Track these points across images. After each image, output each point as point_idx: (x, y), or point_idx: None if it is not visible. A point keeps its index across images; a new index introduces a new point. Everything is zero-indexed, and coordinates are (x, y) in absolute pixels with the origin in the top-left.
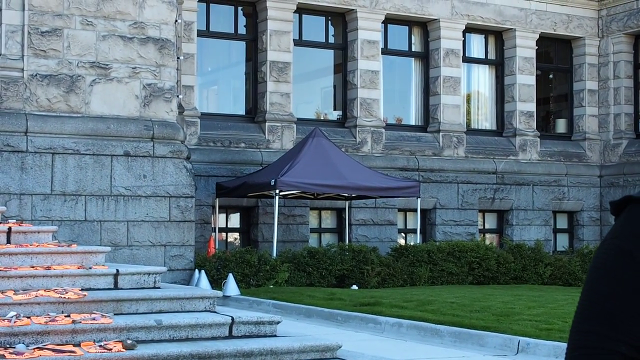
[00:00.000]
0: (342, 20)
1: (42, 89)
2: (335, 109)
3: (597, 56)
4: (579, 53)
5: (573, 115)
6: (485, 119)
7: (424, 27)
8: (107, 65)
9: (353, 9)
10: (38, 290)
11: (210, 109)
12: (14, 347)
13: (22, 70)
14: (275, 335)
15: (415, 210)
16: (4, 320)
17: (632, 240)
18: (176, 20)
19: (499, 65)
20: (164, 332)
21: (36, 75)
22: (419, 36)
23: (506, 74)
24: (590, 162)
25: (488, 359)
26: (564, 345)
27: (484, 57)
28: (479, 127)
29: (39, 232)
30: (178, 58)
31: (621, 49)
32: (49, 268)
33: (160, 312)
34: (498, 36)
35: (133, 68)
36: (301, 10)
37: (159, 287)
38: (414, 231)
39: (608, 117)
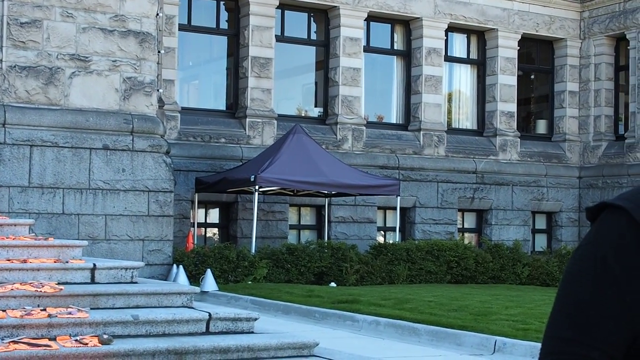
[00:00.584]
0: (324, 16)
1: (21, 80)
2: (316, 106)
3: (578, 58)
4: (560, 54)
5: (553, 116)
6: (466, 119)
7: (407, 25)
8: (87, 57)
9: (335, 6)
10: (14, 283)
11: (191, 103)
12: None
13: (1, 61)
14: (252, 332)
15: (394, 209)
16: None
17: (606, 247)
18: (157, 14)
19: (481, 65)
20: (141, 327)
21: (15, 66)
22: (402, 34)
23: (488, 73)
24: (570, 164)
25: (465, 358)
26: (540, 345)
27: (466, 56)
28: (460, 127)
29: (15, 225)
30: (159, 52)
31: (602, 51)
32: (25, 261)
33: (137, 307)
34: (480, 36)
35: (113, 61)
36: (283, 6)
37: (136, 282)
38: (393, 229)
39: (588, 119)
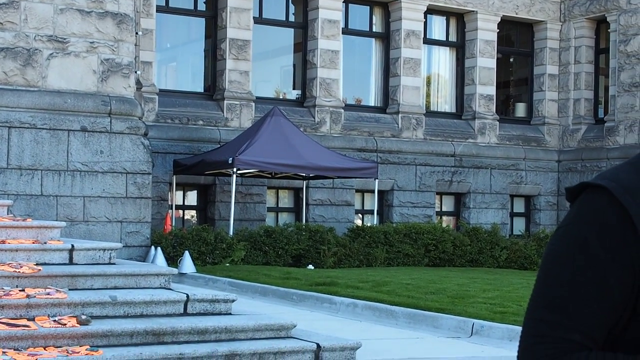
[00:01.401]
0: None
1: None
2: (294, 88)
3: (558, 40)
4: (540, 37)
5: (533, 100)
6: (444, 102)
7: (385, 7)
8: (64, 39)
9: None
10: None
11: (169, 85)
12: None
13: None
14: (230, 314)
15: (372, 192)
16: None
17: (588, 227)
18: None
19: (460, 47)
20: (119, 308)
21: None
22: (380, 16)
23: (467, 56)
24: (549, 147)
25: (442, 341)
26: (518, 328)
27: (445, 39)
28: (439, 110)
29: None
30: (136, 33)
31: (583, 34)
32: (3, 242)
33: (115, 288)
34: (459, 18)
35: (91, 42)
36: None
37: (114, 263)
38: (371, 212)
39: (568, 102)
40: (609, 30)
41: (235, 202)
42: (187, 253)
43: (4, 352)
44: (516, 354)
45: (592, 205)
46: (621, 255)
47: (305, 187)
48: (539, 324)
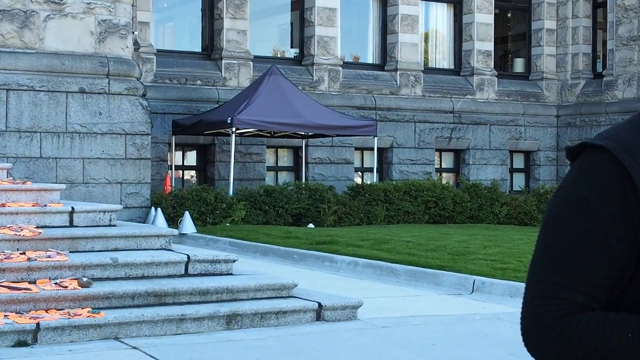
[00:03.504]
0: None
1: None
2: (292, 47)
3: None
4: None
5: (531, 55)
6: (443, 58)
7: None
8: (61, 0)
9: None
10: None
11: (166, 45)
12: None
13: None
14: (231, 274)
15: (372, 149)
16: None
17: (587, 187)
18: None
19: (457, 3)
20: (120, 270)
21: None
22: None
23: (464, 12)
24: (548, 102)
25: (443, 298)
26: (519, 284)
27: None
28: (437, 66)
29: None
30: None
31: None
32: (3, 205)
33: (116, 250)
34: None
35: (87, 4)
36: None
37: (114, 225)
38: (370, 170)
39: (566, 57)
40: None
41: (234, 162)
42: (187, 213)
43: (5, 316)
44: (519, 312)
45: (592, 166)
46: (622, 215)
47: (305, 146)
48: (542, 285)
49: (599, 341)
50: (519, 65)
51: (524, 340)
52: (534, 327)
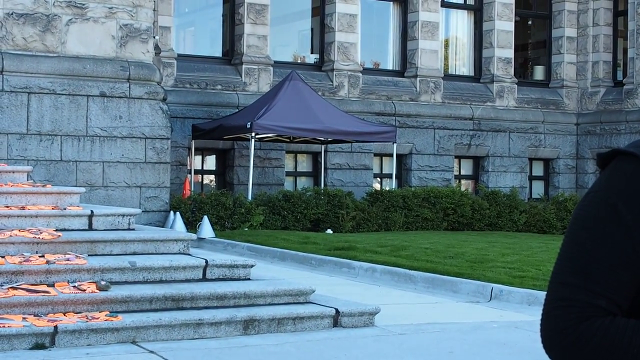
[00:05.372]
0: None
1: (18, 27)
2: (312, 53)
3: (576, 3)
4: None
5: (551, 63)
6: (462, 65)
7: None
8: (83, 4)
9: None
10: (12, 230)
11: (187, 50)
12: None
13: None
14: (248, 279)
15: (391, 155)
16: None
17: (616, 194)
18: None
19: (478, 10)
20: (138, 273)
21: (12, 13)
22: None
23: (485, 19)
24: (567, 110)
25: (461, 306)
26: (537, 292)
27: (462, 2)
28: (457, 73)
29: (13, 172)
30: None
31: None
32: (23, 208)
33: (134, 253)
34: None
35: (110, 8)
36: None
37: (133, 229)
38: (389, 176)
39: (586, 65)
40: None
41: (253, 167)
42: (205, 218)
43: (24, 318)
44: (537, 321)
45: (622, 173)
46: None
47: (324, 152)
48: (564, 288)
49: (618, 346)
50: (539, 72)
51: (542, 341)
52: (554, 328)
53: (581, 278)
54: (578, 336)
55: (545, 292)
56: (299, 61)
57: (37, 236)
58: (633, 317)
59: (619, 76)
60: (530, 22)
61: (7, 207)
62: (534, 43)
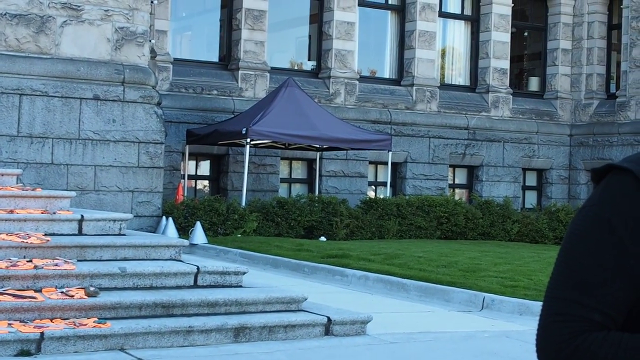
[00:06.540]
0: None
1: (11, 28)
2: (309, 59)
3: (572, 16)
4: (554, 12)
5: (546, 74)
6: (459, 75)
7: None
8: (78, 6)
9: None
10: (0, 234)
11: (183, 54)
12: None
13: None
14: (240, 286)
15: (386, 164)
16: None
17: (610, 208)
18: None
19: (475, 21)
20: (128, 280)
21: (5, 14)
22: None
23: (481, 30)
24: (561, 121)
25: (453, 315)
26: (529, 302)
27: (460, 12)
28: (453, 83)
29: (2, 175)
30: (152, 2)
31: (596, 10)
32: (12, 212)
33: (124, 259)
34: None
35: (105, 10)
36: None
37: (124, 234)
38: (384, 184)
39: (580, 77)
40: (621, 6)
41: (248, 173)
42: (198, 224)
43: (9, 324)
44: (528, 330)
45: (617, 187)
46: None
47: (319, 159)
48: (560, 302)
49: None
50: (534, 84)
51: (538, 355)
52: (549, 342)
53: (576, 292)
54: (573, 350)
55: (541, 304)
56: (295, 68)
57: (25, 240)
58: (628, 330)
59: (612, 89)
60: (526, 34)
61: None
62: (530, 54)
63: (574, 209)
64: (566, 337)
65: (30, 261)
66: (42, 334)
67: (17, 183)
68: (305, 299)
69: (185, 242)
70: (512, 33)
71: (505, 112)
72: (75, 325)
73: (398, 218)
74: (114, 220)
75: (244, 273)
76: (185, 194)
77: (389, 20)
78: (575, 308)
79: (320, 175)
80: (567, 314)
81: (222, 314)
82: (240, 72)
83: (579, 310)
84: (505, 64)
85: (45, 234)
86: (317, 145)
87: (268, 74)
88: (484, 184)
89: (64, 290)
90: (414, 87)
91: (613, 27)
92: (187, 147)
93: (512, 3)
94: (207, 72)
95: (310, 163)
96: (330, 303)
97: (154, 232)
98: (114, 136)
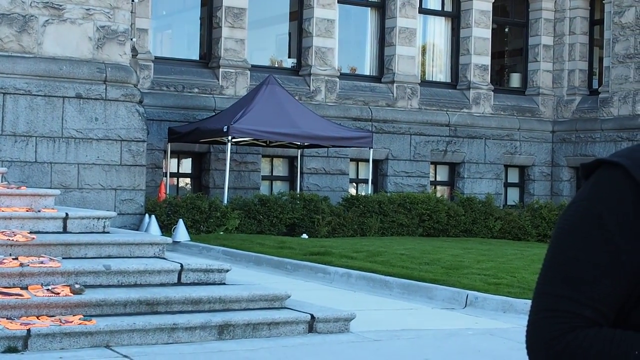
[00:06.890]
0: None
1: None
2: (290, 57)
3: (553, 11)
4: (535, 8)
5: (527, 70)
6: (439, 71)
7: None
8: (60, 5)
9: None
10: None
11: (164, 53)
12: None
13: None
14: (224, 284)
15: (367, 161)
16: None
17: (602, 204)
18: None
19: (455, 17)
20: (113, 277)
21: None
22: None
23: (462, 26)
24: (543, 118)
25: (436, 312)
26: (513, 300)
27: (440, 9)
28: (434, 79)
29: None
30: (132, 1)
31: (577, 5)
32: None
33: (109, 257)
34: None
35: (87, 9)
36: None
37: (108, 232)
38: (365, 181)
39: (562, 73)
40: (603, 1)
41: (229, 171)
42: (181, 221)
43: None
44: (512, 328)
45: (607, 182)
46: (635, 232)
47: (300, 156)
48: (550, 298)
49: (604, 358)
50: (515, 80)
51: (528, 351)
52: (540, 339)
53: (566, 288)
54: (564, 347)
55: (525, 302)
56: (276, 65)
57: (10, 238)
58: (620, 326)
59: (595, 85)
60: (507, 30)
61: None
62: (511, 50)
63: (557, 205)
64: (557, 334)
65: (16, 259)
66: (28, 331)
67: (1, 181)
68: (289, 297)
69: (169, 239)
70: (493, 29)
71: (487, 109)
72: (61, 322)
73: (380, 215)
74: (98, 218)
75: (227, 270)
76: (168, 192)
77: (369, 17)
78: (566, 304)
79: (301, 173)
80: (557, 309)
81: (206, 311)
82: (221, 70)
83: (570, 305)
84: (486, 61)
85: (31, 232)
86: (298, 143)
87: (249, 72)
88: (466, 181)
89: (49, 287)
90: (395, 84)
91: (595, 22)
92: (169, 145)
93: None
94: (188, 70)
95: (292, 160)
96: (314, 300)
97: (137, 230)
98: (97, 134)
